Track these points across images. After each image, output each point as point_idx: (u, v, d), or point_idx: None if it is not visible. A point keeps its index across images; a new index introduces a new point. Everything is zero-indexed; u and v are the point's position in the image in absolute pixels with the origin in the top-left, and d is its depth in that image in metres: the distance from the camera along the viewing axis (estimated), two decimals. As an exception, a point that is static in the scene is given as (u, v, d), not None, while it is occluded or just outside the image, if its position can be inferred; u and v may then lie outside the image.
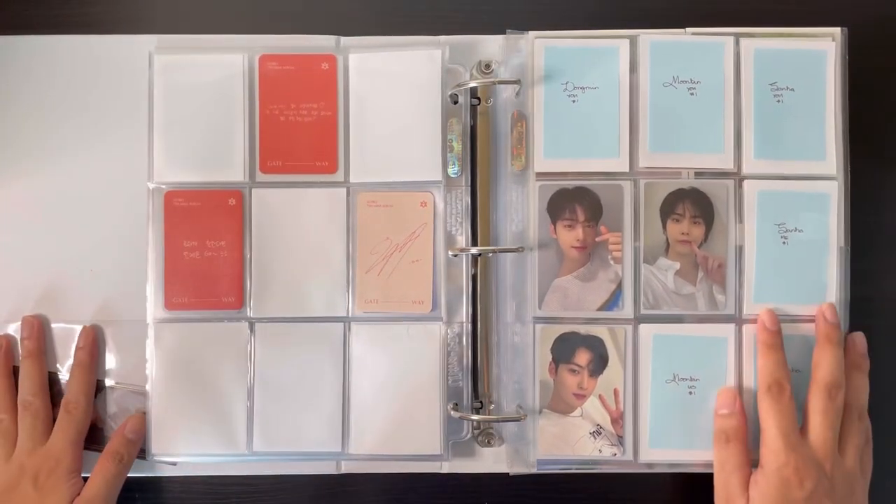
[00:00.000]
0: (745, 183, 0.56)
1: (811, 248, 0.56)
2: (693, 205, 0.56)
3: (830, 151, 0.56)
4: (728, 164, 0.56)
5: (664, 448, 0.56)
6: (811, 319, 0.56)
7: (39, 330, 0.58)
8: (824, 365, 0.53)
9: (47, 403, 0.57)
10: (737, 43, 0.57)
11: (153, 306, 0.57)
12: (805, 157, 0.56)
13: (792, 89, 0.56)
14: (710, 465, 0.55)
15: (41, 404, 0.56)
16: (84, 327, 0.58)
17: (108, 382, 0.58)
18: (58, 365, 0.58)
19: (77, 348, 0.58)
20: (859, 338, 0.56)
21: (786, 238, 0.56)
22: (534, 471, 0.56)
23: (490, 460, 0.58)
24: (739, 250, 0.56)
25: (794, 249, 0.56)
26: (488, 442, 0.58)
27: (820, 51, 0.57)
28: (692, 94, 0.56)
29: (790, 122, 0.56)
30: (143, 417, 0.57)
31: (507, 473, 0.57)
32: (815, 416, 0.52)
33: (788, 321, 0.55)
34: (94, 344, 0.58)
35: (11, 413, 0.56)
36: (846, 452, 0.53)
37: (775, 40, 0.57)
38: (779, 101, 0.56)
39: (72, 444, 0.55)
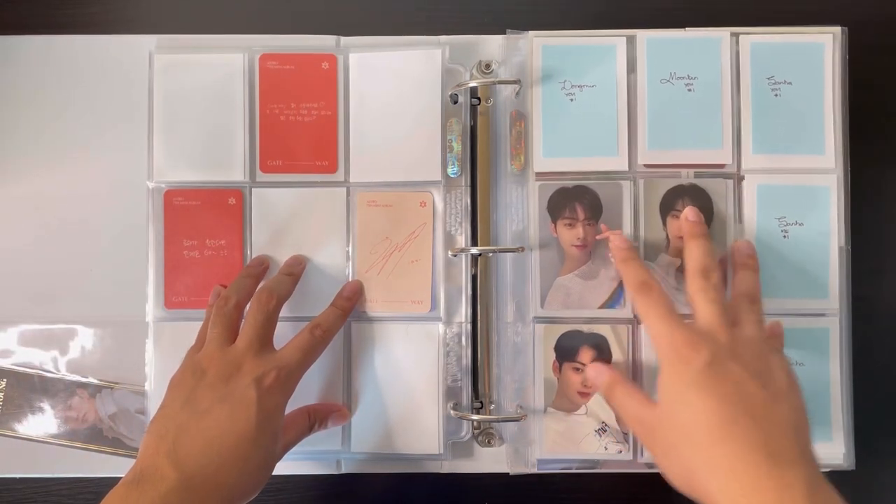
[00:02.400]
0: (744, 178, 0.55)
1: (812, 241, 0.55)
2: (692, 201, 0.55)
3: (829, 145, 0.55)
4: (727, 160, 0.55)
5: None
6: (813, 313, 0.55)
7: (303, 267, 0.56)
8: (691, 253, 0.51)
9: (279, 313, 0.52)
10: (734, 38, 0.56)
11: (153, 305, 0.56)
12: (804, 152, 0.55)
13: (789, 83, 0.56)
14: None
15: (276, 307, 0.51)
16: (354, 280, 0.56)
17: (108, 382, 0.58)
18: (55, 366, 0.58)
19: (341, 297, 0.55)
20: (744, 243, 0.54)
21: (786, 232, 0.55)
22: (534, 471, 0.55)
23: (490, 460, 0.57)
24: None
25: (795, 243, 0.55)
26: (488, 442, 0.57)
27: (817, 44, 0.56)
28: (689, 90, 0.56)
29: (788, 116, 0.56)
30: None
31: (507, 473, 0.56)
32: (695, 296, 0.49)
33: (791, 315, 0.54)
34: (357, 296, 0.56)
35: (242, 301, 0.52)
36: (742, 324, 0.48)
37: (772, 38, 0.56)
38: (776, 94, 0.56)
39: (301, 365, 0.50)
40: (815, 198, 0.55)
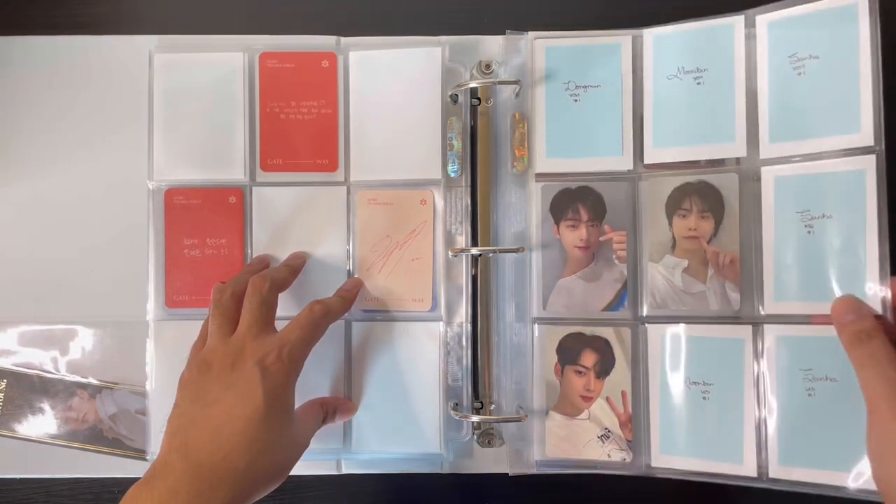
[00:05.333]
0: (761, 170, 0.50)
1: (843, 234, 0.47)
2: (701, 199, 0.51)
3: (866, 121, 0.46)
4: (739, 152, 0.50)
5: (676, 455, 0.51)
6: None
7: (303, 262, 0.54)
8: None
9: (276, 298, 0.49)
10: (749, 20, 0.50)
11: (154, 304, 0.54)
12: (834, 133, 0.47)
13: (816, 57, 0.48)
14: (730, 476, 0.49)
15: (270, 289, 0.49)
16: (355, 278, 0.54)
17: (108, 382, 0.56)
18: (55, 366, 0.56)
19: (342, 289, 0.53)
20: None
21: (811, 227, 0.48)
22: (534, 471, 0.53)
23: (490, 460, 0.55)
24: (757, 244, 0.50)
25: (822, 239, 0.48)
26: (488, 442, 0.54)
27: (848, 6, 0.47)
28: (699, 83, 0.51)
29: (815, 95, 0.48)
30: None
31: (507, 473, 0.53)
32: None
33: (821, 322, 0.48)
34: (358, 289, 0.53)
35: (238, 291, 0.49)
36: None
37: (797, 9, 0.49)
38: (799, 73, 0.49)
39: (303, 342, 0.47)
40: (846, 185, 0.47)
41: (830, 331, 0.47)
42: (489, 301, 0.54)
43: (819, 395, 0.48)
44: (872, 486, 0.45)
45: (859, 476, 0.47)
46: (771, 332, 0.50)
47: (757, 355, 0.50)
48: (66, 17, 0.58)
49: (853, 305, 0.45)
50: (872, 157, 0.46)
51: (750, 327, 0.50)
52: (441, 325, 0.54)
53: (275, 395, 0.45)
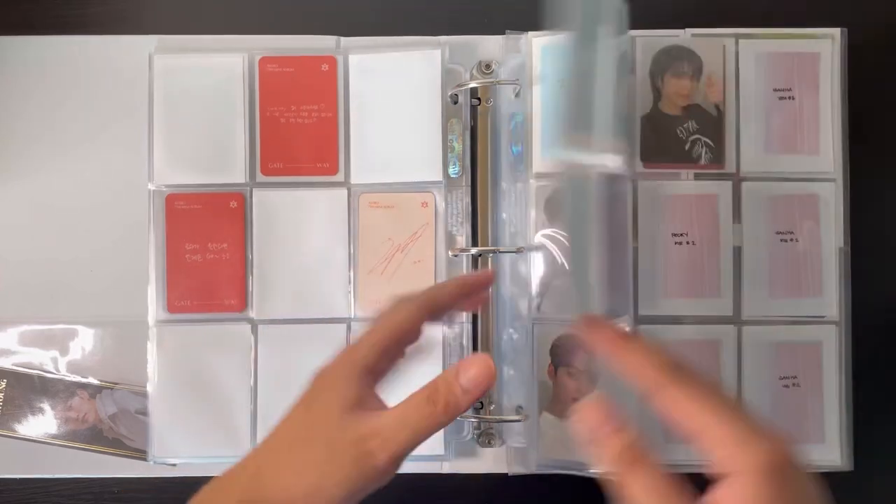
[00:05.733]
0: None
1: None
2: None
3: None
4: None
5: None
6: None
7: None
8: None
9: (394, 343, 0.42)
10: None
11: (155, 308, 0.54)
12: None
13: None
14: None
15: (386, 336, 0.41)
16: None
17: (108, 382, 0.56)
18: (55, 366, 0.56)
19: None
20: None
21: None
22: (534, 471, 0.53)
23: (490, 460, 0.55)
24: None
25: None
26: (489, 442, 0.54)
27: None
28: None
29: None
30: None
31: (507, 473, 0.54)
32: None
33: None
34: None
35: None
36: None
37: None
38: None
39: (374, 345, 0.40)
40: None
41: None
42: (489, 301, 0.54)
43: None
44: None
45: None
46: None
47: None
48: (66, 17, 0.57)
49: (608, 412, 0.33)
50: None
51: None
52: (443, 327, 0.54)
53: (317, 390, 0.39)
